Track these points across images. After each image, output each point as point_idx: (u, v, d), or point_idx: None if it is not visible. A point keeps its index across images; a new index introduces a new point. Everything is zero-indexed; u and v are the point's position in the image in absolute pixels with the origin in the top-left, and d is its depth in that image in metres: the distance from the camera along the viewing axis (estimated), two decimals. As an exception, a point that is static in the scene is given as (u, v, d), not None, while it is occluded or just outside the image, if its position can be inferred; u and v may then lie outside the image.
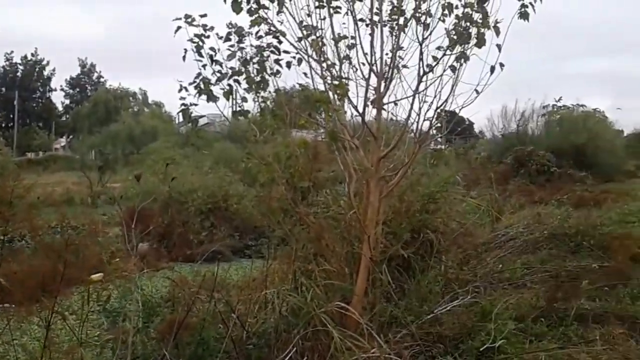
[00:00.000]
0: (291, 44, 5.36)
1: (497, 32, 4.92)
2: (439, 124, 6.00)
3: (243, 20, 5.13)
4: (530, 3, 4.96)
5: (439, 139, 15.45)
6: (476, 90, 5.14)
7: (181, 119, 5.28)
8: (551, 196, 15.75)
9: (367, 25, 5.30)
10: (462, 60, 5.09)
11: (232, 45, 5.15)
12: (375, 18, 5.24)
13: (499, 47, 4.96)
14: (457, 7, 5.05)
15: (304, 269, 5.62)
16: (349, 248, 5.68)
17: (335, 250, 5.62)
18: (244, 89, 5.20)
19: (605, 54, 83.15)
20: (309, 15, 5.40)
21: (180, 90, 5.02)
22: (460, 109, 5.39)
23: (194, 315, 4.88)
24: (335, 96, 5.24)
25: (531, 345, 5.16)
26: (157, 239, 11.18)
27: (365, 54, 5.34)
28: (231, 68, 5.10)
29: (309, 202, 5.98)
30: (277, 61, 5.38)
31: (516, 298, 6.32)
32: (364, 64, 5.38)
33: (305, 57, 5.39)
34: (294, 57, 5.42)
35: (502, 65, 4.95)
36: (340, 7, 5.41)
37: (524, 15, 4.99)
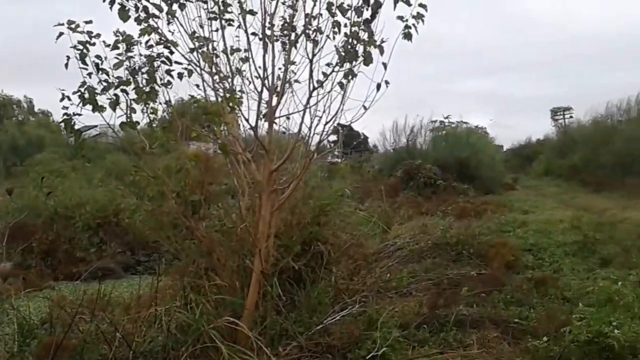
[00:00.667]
0: (182, 55, 5.29)
1: (382, 51, 5.07)
2: (334, 138, 6.12)
3: (133, 28, 5.00)
4: (413, 24, 5.16)
5: (335, 153, 15.74)
6: (364, 106, 5.28)
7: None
8: (437, 207, 16.54)
9: (260, 39, 5.33)
10: (350, 77, 5.22)
11: (120, 54, 4.98)
12: (268, 32, 5.28)
13: (384, 65, 5.11)
14: (345, 26, 5.17)
15: (194, 285, 5.54)
16: (241, 262, 5.66)
17: (226, 264, 5.58)
18: (132, 100, 5.04)
19: (487, 75, 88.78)
20: (201, 26, 5.37)
21: (62, 100, 4.77)
22: (349, 123, 5.53)
23: (74, 336, 4.66)
24: (227, 109, 5.21)
25: (414, 352, 5.37)
26: (40, 257, 10.50)
27: (258, 68, 5.38)
28: (118, 77, 4.93)
29: (201, 216, 5.89)
30: (168, 72, 5.27)
31: (401, 306, 6.57)
32: (257, 77, 5.41)
33: (198, 69, 5.34)
34: (186, 69, 5.35)
35: (387, 82, 5.11)
36: (233, 20, 5.42)
37: (407, 36, 5.17)
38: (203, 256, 5.59)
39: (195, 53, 5.36)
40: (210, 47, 5.40)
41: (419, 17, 5.13)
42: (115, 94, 4.92)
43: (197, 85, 5.47)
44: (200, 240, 5.55)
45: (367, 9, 5.04)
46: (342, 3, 5.13)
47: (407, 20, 5.13)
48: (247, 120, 5.41)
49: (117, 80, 4.92)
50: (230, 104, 5.19)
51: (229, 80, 5.46)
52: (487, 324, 6.12)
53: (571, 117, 52.56)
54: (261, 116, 5.38)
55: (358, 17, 5.05)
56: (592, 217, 15.63)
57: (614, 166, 26.17)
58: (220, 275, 5.48)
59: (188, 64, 5.33)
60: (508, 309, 6.81)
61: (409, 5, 5.05)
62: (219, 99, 5.33)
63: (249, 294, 5.28)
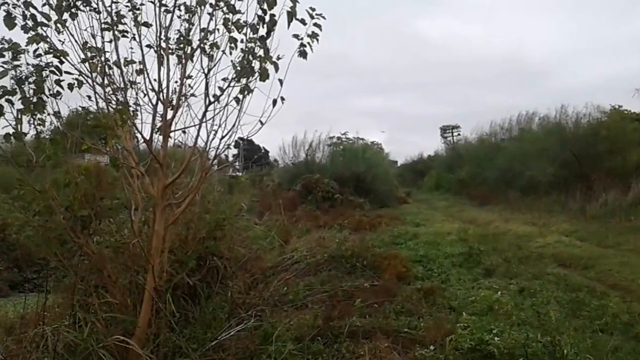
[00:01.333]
0: (73, 65, 5.12)
1: (277, 68, 5.16)
2: (235, 152, 6.14)
3: (21, 36, 4.78)
4: (308, 43, 5.32)
5: (236, 166, 15.67)
6: (260, 121, 5.35)
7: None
8: (334, 221, 16.88)
9: (155, 51, 5.26)
10: (246, 92, 5.27)
11: (5, 62, 4.74)
12: (163, 45, 5.23)
13: (281, 81, 5.22)
14: (242, 42, 5.24)
15: (84, 303, 5.34)
16: (133, 278, 5.53)
17: (118, 281, 5.43)
18: (19, 110, 4.80)
19: (383, 93, 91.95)
20: (93, 37, 5.23)
21: None
22: (249, 137, 5.57)
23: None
24: (119, 122, 5.09)
25: (308, 364, 5.47)
26: None
27: (153, 80, 5.29)
28: (2, 87, 4.69)
29: (91, 231, 5.68)
30: (57, 82, 5.07)
31: (297, 319, 6.65)
32: (152, 90, 5.33)
33: (89, 80, 5.19)
34: (77, 79, 5.18)
35: (282, 99, 5.20)
36: (127, 32, 5.33)
37: (302, 54, 5.31)
38: (93, 273, 5.40)
39: (87, 64, 5.20)
40: (103, 58, 5.26)
41: (313, 36, 5.28)
42: (-1, 104, 4.67)
43: (89, 97, 5.31)
44: (91, 256, 5.36)
45: (262, 27, 5.13)
46: (239, 19, 5.20)
47: (302, 39, 5.29)
48: (141, 133, 5.32)
49: (2, 90, 4.67)
50: (123, 117, 5.07)
51: (122, 92, 5.35)
52: (378, 335, 6.30)
53: (459, 134, 55.70)
54: (156, 129, 5.32)
55: (254, 33, 5.13)
56: (477, 230, 16.59)
57: (497, 181, 27.88)
58: (111, 292, 5.32)
59: (79, 75, 5.16)
60: (399, 319, 7.05)
61: (304, 24, 5.20)
62: (111, 112, 5.19)
63: (141, 311, 5.16)
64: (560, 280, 9.49)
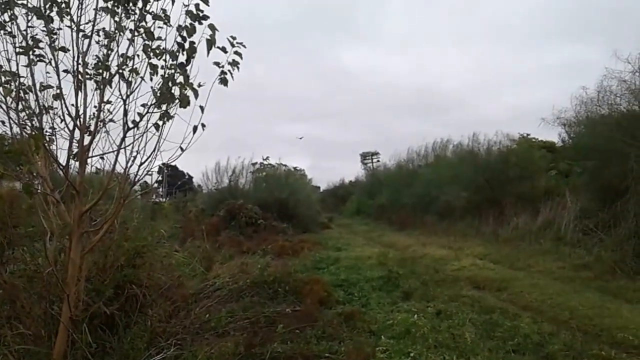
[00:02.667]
0: (-16, 89, 4.98)
1: (196, 95, 5.20)
2: (159, 178, 6.09)
3: None
4: (229, 70, 5.42)
5: (160, 192, 15.39)
6: (181, 148, 5.37)
7: None
8: (257, 246, 16.84)
9: (73, 76, 5.20)
10: (166, 118, 5.28)
11: None
12: (81, 70, 5.18)
13: (202, 108, 5.26)
14: (162, 68, 5.26)
15: (-7, 335, 5.11)
16: (48, 308, 5.35)
17: (31, 311, 5.25)
18: None
19: (305, 120, 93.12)
20: (8, 60, 5.11)
21: None
22: (173, 163, 5.56)
23: None
24: (33, 148, 4.98)
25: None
26: None
27: (71, 106, 5.21)
28: None
29: (4, 260, 5.47)
30: (-32, 106, 4.92)
31: (219, 346, 6.60)
32: (69, 116, 5.25)
33: (3, 105, 5.05)
34: (-11, 103, 5.03)
35: (203, 125, 5.24)
36: (43, 56, 5.24)
37: (223, 81, 5.40)
38: (5, 303, 5.20)
39: (0, 88, 5.07)
40: (17, 82, 5.14)
41: (234, 64, 5.40)
42: None
43: (3, 122, 5.17)
44: (2, 286, 5.16)
45: (182, 53, 5.19)
46: (159, 46, 5.24)
47: (223, 67, 5.39)
48: (56, 160, 5.21)
49: None
50: (36, 143, 4.96)
51: (38, 117, 5.23)
52: (300, 360, 6.36)
53: (378, 161, 57.15)
54: (72, 155, 5.23)
55: (173, 60, 5.18)
56: (396, 253, 16.97)
57: (415, 206, 28.67)
58: (24, 323, 5.14)
59: (-9, 99, 5.03)
60: (320, 344, 7.12)
61: (225, 52, 5.31)
62: (25, 137, 5.07)
63: (56, 343, 5.00)
64: (475, 302, 9.84)
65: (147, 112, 5.23)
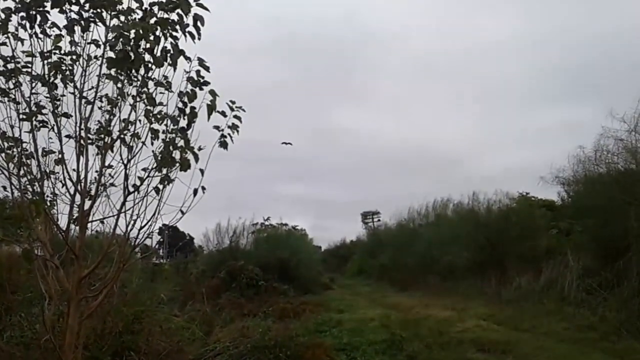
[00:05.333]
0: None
1: (196, 159, 5.26)
2: (160, 239, 6.07)
3: None
4: (229, 134, 5.50)
5: (160, 254, 15.33)
6: (181, 211, 5.39)
7: None
8: (258, 309, 16.62)
9: (75, 141, 5.26)
10: (166, 182, 5.31)
11: None
12: (83, 135, 5.24)
13: (202, 171, 5.31)
14: (163, 132, 5.33)
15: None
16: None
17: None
18: None
19: (305, 179, 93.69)
20: (12, 127, 5.19)
21: None
22: (169, 225, 5.56)
23: None
24: (34, 213, 4.99)
25: None
26: None
27: (72, 170, 5.25)
28: None
29: (1, 326, 5.39)
30: (-30, 173, 4.97)
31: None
32: (70, 180, 5.29)
33: (5, 171, 5.09)
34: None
35: (204, 188, 5.29)
36: (46, 122, 5.33)
37: (223, 145, 5.48)
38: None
39: (3, 154, 5.14)
40: (20, 148, 5.21)
41: (234, 127, 5.48)
42: None
43: (4, 187, 5.21)
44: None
45: (183, 118, 5.28)
46: (161, 111, 5.33)
47: (222, 130, 5.47)
48: (57, 225, 5.21)
49: None
50: (37, 209, 4.98)
51: (39, 183, 5.26)
52: None
53: (379, 220, 56.85)
54: (73, 220, 5.23)
55: (174, 125, 5.26)
56: (399, 315, 16.73)
57: (417, 266, 28.41)
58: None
59: (-7, 165, 5.08)
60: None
61: (225, 116, 5.40)
62: (26, 203, 5.09)
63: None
64: (480, 366, 9.65)
65: (148, 176, 5.27)
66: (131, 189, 5.27)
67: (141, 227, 5.29)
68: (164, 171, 5.29)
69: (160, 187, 5.29)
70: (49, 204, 5.34)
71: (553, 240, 21.16)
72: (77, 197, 5.26)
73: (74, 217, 5.25)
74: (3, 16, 4.94)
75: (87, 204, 5.29)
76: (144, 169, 5.30)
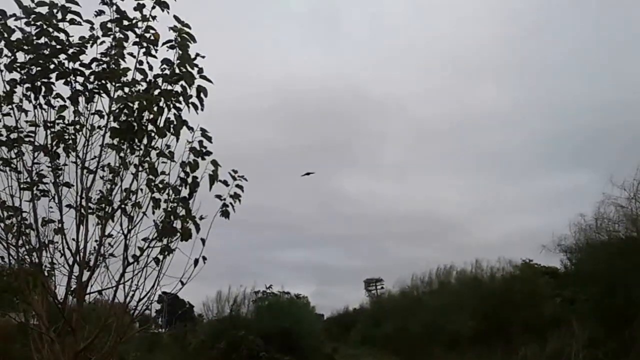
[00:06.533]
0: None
1: (198, 229, 5.21)
2: (158, 308, 5.92)
3: None
4: (231, 203, 5.47)
5: (159, 321, 15.04)
6: (181, 282, 5.27)
7: None
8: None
9: (75, 210, 5.22)
10: (167, 252, 5.24)
11: None
12: (84, 204, 5.21)
13: (203, 241, 5.24)
14: (164, 202, 5.28)
15: None
16: None
17: None
18: None
19: (307, 246, 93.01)
20: (12, 196, 5.17)
21: None
22: (170, 293, 5.44)
23: None
24: (31, 285, 4.90)
25: None
26: None
27: (72, 240, 5.18)
28: None
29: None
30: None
31: None
32: (69, 250, 5.21)
33: (3, 241, 5.03)
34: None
35: (204, 258, 5.20)
36: (47, 191, 5.31)
37: (225, 214, 5.43)
38: None
39: (2, 224, 5.09)
40: (20, 217, 5.17)
41: (236, 196, 5.46)
42: None
43: (2, 258, 5.14)
44: None
45: (185, 188, 5.25)
46: (162, 180, 5.31)
47: (224, 199, 5.43)
48: (54, 297, 5.10)
49: None
50: (35, 281, 4.89)
51: (38, 253, 5.19)
52: None
53: (382, 288, 56.06)
54: (70, 291, 5.12)
55: (176, 195, 5.23)
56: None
57: (421, 335, 27.85)
58: None
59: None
60: None
61: (227, 185, 5.38)
62: (24, 274, 5.00)
63: None
64: None
65: (148, 246, 5.20)
66: (131, 260, 5.19)
67: (140, 299, 5.18)
68: (165, 241, 5.23)
69: (161, 257, 5.22)
70: (46, 274, 5.25)
71: (557, 309, 20.85)
72: (76, 268, 5.16)
73: (72, 289, 5.14)
74: (8, 88, 5.02)
75: (86, 275, 5.19)
76: (144, 239, 5.24)
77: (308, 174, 7.42)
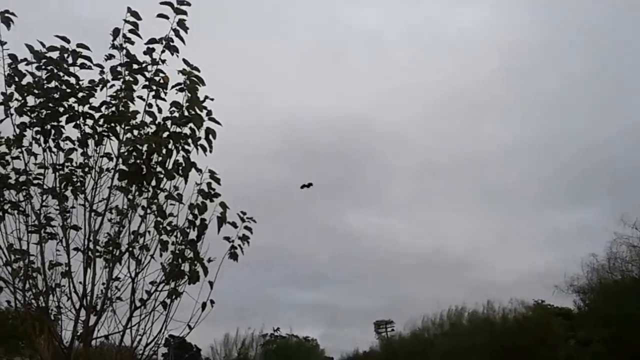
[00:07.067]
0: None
1: (206, 272, 5.15)
2: (165, 352, 5.78)
3: None
4: (239, 245, 5.41)
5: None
6: (189, 326, 5.18)
7: None
8: None
9: (83, 254, 5.17)
10: (174, 296, 5.16)
11: None
12: (91, 247, 5.16)
13: (211, 284, 5.16)
14: (172, 244, 5.23)
15: None
16: None
17: None
18: None
19: (315, 286, 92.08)
20: (19, 239, 5.14)
21: None
22: (175, 337, 5.34)
23: None
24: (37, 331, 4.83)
25: None
26: None
27: (79, 284, 5.12)
28: None
29: None
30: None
31: None
32: (76, 294, 5.14)
33: (10, 286, 4.98)
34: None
35: (212, 302, 5.12)
36: (55, 234, 5.28)
37: (233, 256, 5.36)
38: None
39: (9, 267, 5.05)
40: (27, 261, 5.13)
41: (244, 238, 5.40)
42: None
43: (8, 302, 5.09)
44: None
45: (193, 230, 5.21)
46: (170, 222, 5.27)
47: (233, 241, 5.38)
48: (60, 342, 5.02)
49: None
50: (41, 326, 4.82)
51: (44, 296, 5.12)
52: None
53: (393, 329, 55.19)
54: (77, 336, 5.04)
55: (184, 237, 5.18)
56: None
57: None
58: None
59: (-1, 280, 4.98)
60: None
61: (235, 227, 5.33)
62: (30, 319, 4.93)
63: None
64: None
65: (156, 290, 5.12)
66: (138, 304, 5.11)
67: (147, 344, 5.08)
68: (172, 284, 5.15)
69: (168, 301, 5.13)
70: (53, 318, 5.18)
71: (572, 351, 20.42)
72: (83, 312, 5.09)
73: (79, 333, 5.06)
74: (18, 131, 5.05)
75: (93, 319, 5.10)
76: (152, 282, 5.16)
77: (307, 185, 7.34)
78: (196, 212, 5.18)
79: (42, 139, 5.15)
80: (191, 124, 5.11)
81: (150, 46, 5.12)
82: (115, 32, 5.09)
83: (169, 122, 5.13)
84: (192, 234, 5.21)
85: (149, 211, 5.25)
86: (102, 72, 5.21)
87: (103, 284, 5.20)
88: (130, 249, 5.19)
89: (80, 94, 5.12)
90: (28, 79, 5.06)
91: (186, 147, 5.16)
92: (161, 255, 5.25)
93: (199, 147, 5.17)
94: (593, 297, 17.63)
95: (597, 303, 17.25)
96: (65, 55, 5.03)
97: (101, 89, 5.20)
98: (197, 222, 5.19)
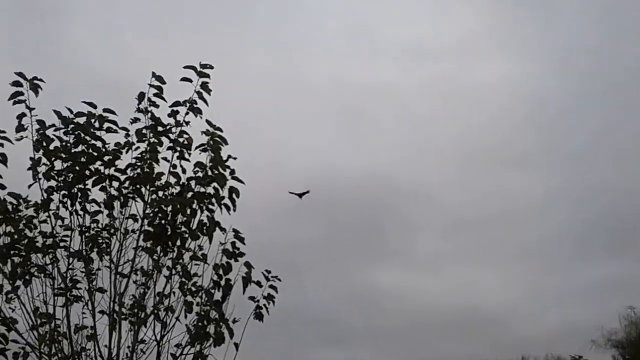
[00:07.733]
0: (20, 334, 4.94)
1: (231, 334, 5.07)
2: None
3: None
4: (265, 305, 5.33)
5: None
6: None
7: None
8: None
9: (109, 316, 5.13)
10: (199, 359, 5.03)
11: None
12: (117, 309, 5.13)
13: (236, 345, 5.07)
14: (197, 305, 5.19)
15: None
16: None
17: None
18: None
19: (338, 343, 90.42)
20: (45, 303, 5.12)
21: None
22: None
23: None
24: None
25: None
26: None
27: (104, 347, 5.04)
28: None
29: None
30: (2, 351, 4.85)
31: None
32: (102, 358, 5.07)
33: (36, 351, 4.94)
34: (23, 348, 4.94)
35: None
36: (81, 297, 5.25)
37: (258, 316, 5.29)
38: None
39: (35, 331, 5.02)
40: (53, 324, 5.09)
41: (270, 298, 5.34)
42: None
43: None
44: None
45: (218, 290, 5.16)
46: (195, 282, 5.23)
47: (258, 301, 5.32)
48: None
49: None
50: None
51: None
52: None
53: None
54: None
55: (209, 298, 5.12)
56: None
57: None
58: None
59: (25, 344, 4.94)
60: None
61: (260, 286, 5.28)
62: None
63: None
64: None
65: (182, 353, 5.04)
66: (163, 371, 5.02)
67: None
68: (198, 347, 5.07)
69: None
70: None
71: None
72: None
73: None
74: (45, 195, 5.11)
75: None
76: (177, 345, 5.09)
77: (302, 194, 7.24)
78: (221, 272, 5.14)
79: (68, 202, 5.20)
80: (215, 184, 5.14)
81: (175, 108, 5.21)
82: (141, 96, 5.20)
83: (192, 182, 5.17)
84: (217, 295, 5.16)
85: (174, 272, 5.23)
86: (127, 135, 5.29)
87: (128, 347, 5.14)
88: (156, 311, 5.15)
89: (106, 157, 5.19)
90: (55, 143, 5.15)
91: (210, 206, 5.18)
92: (186, 317, 5.20)
93: (222, 207, 5.18)
94: (632, 351, 17.03)
95: (637, 357, 16.65)
96: (92, 120, 5.12)
97: (127, 152, 5.27)
98: (222, 282, 5.15)
